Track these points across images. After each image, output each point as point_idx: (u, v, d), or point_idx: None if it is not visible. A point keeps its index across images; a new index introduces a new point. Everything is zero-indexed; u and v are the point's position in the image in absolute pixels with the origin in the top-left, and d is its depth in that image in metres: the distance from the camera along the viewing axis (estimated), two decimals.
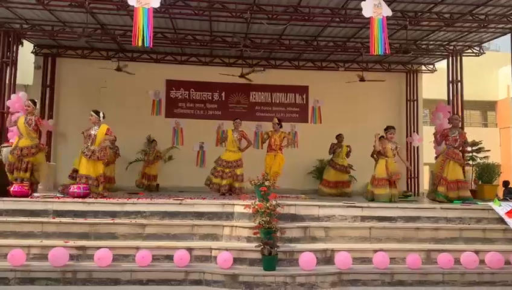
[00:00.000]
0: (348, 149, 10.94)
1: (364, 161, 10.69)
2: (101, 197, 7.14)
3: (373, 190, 8.12)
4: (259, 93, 13.26)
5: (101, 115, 7.80)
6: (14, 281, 5.18)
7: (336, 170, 10.85)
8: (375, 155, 9.46)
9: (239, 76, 12.28)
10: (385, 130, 8.69)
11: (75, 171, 7.63)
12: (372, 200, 7.98)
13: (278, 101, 13.32)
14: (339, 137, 10.99)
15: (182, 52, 12.62)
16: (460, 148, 8.63)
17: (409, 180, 12.83)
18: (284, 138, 9.85)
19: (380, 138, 8.63)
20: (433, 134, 9.21)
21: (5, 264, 5.31)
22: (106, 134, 7.64)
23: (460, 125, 8.74)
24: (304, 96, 13.37)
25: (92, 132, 7.64)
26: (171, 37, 11.15)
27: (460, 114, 11.43)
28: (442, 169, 8.29)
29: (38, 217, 6.20)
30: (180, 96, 13.08)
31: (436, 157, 8.92)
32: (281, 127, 9.95)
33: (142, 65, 12.53)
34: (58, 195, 7.40)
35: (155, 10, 7.16)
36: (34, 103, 8.19)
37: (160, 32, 10.69)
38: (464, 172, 10.83)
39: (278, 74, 13.04)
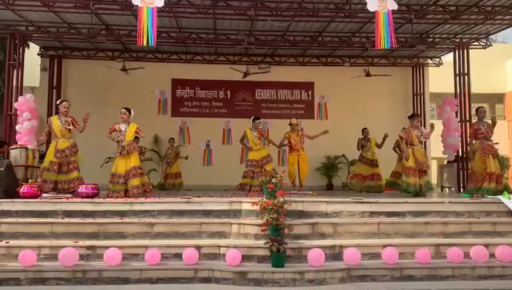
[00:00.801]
0: (381, 141, 10.37)
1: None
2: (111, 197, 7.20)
3: (405, 179, 8.15)
4: (265, 90, 13.26)
5: (132, 113, 7.87)
6: (25, 281, 5.23)
7: (366, 164, 10.47)
8: (397, 148, 9.39)
9: (242, 77, 12.28)
10: (410, 117, 8.60)
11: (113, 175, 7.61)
12: (405, 190, 8.00)
13: (283, 98, 13.31)
14: (364, 131, 10.58)
15: (187, 50, 12.64)
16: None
17: None
18: (301, 135, 9.90)
19: (402, 129, 8.59)
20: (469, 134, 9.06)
21: (17, 265, 5.35)
22: (136, 132, 7.74)
23: (486, 118, 8.54)
24: (310, 93, 13.34)
25: (122, 129, 7.71)
26: (176, 36, 11.17)
27: (468, 107, 11.37)
28: (485, 165, 8.03)
29: (47, 217, 6.24)
30: (186, 95, 13.11)
31: (465, 153, 8.74)
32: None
33: (147, 65, 12.57)
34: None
35: (159, 9, 7.18)
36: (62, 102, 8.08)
37: (164, 31, 10.71)
38: (468, 163, 10.81)
39: (283, 70, 13.02)
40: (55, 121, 7.75)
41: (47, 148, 8.13)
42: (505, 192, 7.19)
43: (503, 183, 8.03)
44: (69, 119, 7.81)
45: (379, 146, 10.39)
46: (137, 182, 7.50)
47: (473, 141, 8.46)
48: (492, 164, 8.07)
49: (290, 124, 9.90)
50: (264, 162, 9.14)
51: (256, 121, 9.46)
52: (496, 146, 11.69)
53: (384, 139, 10.24)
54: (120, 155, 7.60)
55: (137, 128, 7.76)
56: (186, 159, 11.95)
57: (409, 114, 8.75)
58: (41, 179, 7.46)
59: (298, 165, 9.78)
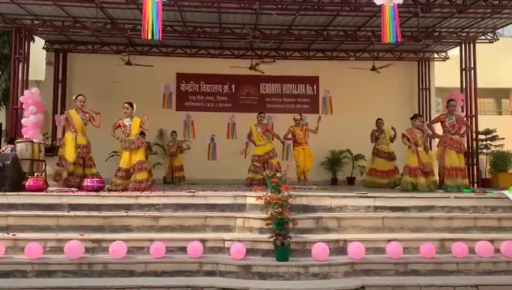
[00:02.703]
0: (393, 133, 9.94)
1: None
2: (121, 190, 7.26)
3: (411, 180, 8.11)
4: (270, 84, 13.22)
5: (135, 107, 7.98)
6: (31, 273, 5.28)
7: (382, 158, 9.86)
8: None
9: (249, 68, 12.24)
10: (412, 118, 8.53)
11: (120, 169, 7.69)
12: (414, 190, 7.95)
13: (288, 92, 13.27)
14: (378, 122, 10.13)
15: (192, 45, 12.62)
16: (461, 135, 8.28)
17: None
18: (305, 130, 9.95)
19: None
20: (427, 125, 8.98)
21: (23, 257, 5.41)
22: (140, 125, 7.81)
23: (459, 111, 8.32)
24: (315, 87, 13.29)
25: (127, 123, 7.78)
26: (180, 30, 11.15)
27: (474, 102, 11.29)
28: (443, 159, 8.03)
29: (53, 210, 6.29)
30: (191, 89, 13.11)
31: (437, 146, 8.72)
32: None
33: (152, 59, 12.57)
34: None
35: (164, 3, 7.17)
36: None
37: (169, 25, 10.69)
38: (473, 159, 10.71)
39: (288, 64, 12.97)
40: (75, 116, 7.99)
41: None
42: (511, 187, 7.14)
43: (463, 180, 7.97)
44: (87, 115, 8.09)
45: (392, 140, 10.02)
46: (143, 177, 7.56)
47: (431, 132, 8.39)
48: (453, 159, 7.95)
49: (294, 119, 9.97)
50: (267, 157, 9.50)
51: (258, 116, 9.62)
52: (501, 141, 11.68)
53: (394, 136, 9.98)
54: (128, 149, 7.65)
55: (141, 121, 7.82)
56: (189, 149, 11.96)
57: (411, 115, 8.71)
58: (67, 172, 7.65)
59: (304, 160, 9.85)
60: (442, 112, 8.75)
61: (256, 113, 10.30)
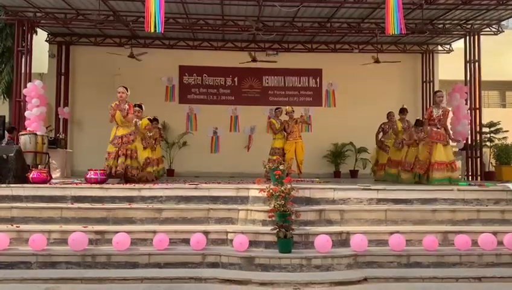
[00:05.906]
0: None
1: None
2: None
3: (401, 173, 8.46)
4: (272, 77, 13.18)
5: (143, 107, 8.56)
6: (36, 265, 5.31)
7: (386, 152, 9.69)
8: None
9: (251, 60, 12.20)
10: (415, 124, 8.75)
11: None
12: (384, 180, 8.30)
13: (291, 85, 13.23)
14: (390, 114, 9.99)
15: (194, 37, 12.58)
16: (443, 127, 8.03)
17: None
18: (299, 123, 9.92)
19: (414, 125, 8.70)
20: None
21: (27, 249, 5.44)
22: (145, 128, 8.42)
23: (444, 103, 8.03)
24: (318, 80, 13.25)
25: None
26: (183, 22, 11.10)
27: (478, 95, 11.24)
28: (431, 154, 7.74)
29: (57, 202, 6.31)
30: (193, 82, 13.09)
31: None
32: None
33: (155, 51, 12.55)
34: None
35: None
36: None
37: (172, 17, 10.65)
38: (477, 152, 10.67)
39: (291, 57, 12.93)
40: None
41: None
42: None
43: (455, 174, 7.72)
44: (126, 106, 7.61)
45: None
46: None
47: (427, 127, 8.08)
48: (440, 152, 7.72)
49: (286, 112, 9.88)
50: (284, 152, 9.66)
51: (277, 111, 9.84)
52: (505, 134, 11.63)
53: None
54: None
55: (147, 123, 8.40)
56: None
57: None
58: (105, 165, 7.45)
59: (295, 153, 9.82)
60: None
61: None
